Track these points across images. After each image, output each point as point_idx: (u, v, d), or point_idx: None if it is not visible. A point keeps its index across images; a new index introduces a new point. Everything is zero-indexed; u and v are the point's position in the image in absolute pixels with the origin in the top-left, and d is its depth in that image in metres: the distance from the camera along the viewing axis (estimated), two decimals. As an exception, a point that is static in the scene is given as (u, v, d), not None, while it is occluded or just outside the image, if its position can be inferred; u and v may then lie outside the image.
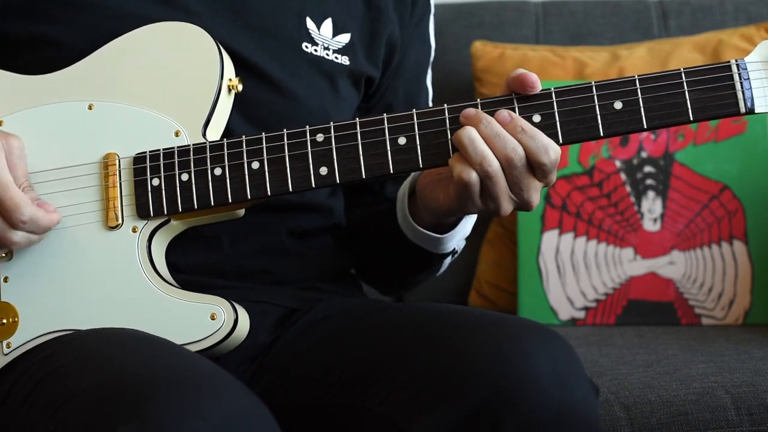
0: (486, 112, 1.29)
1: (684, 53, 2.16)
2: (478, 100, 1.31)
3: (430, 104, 1.66)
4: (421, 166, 1.31)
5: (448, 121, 1.31)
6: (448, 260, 1.54)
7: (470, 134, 1.28)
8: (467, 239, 1.53)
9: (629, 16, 2.31)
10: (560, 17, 2.31)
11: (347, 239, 1.60)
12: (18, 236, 1.28)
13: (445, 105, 1.31)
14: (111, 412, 1.09)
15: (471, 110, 1.30)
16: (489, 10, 2.32)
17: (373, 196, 1.60)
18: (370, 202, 1.60)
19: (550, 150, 1.27)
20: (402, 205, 1.47)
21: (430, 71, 1.66)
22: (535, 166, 1.28)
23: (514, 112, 1.29)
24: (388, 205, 1.54)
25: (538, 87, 1.30)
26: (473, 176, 1.28)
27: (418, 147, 1.31)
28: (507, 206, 1.30)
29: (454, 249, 1.51)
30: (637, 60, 2.16)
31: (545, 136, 1.28)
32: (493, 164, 1.27)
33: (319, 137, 1.32)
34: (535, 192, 1.30)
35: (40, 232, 1.30)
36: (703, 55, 2.16)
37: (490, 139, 1.27)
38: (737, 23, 2.27)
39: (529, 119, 1.29)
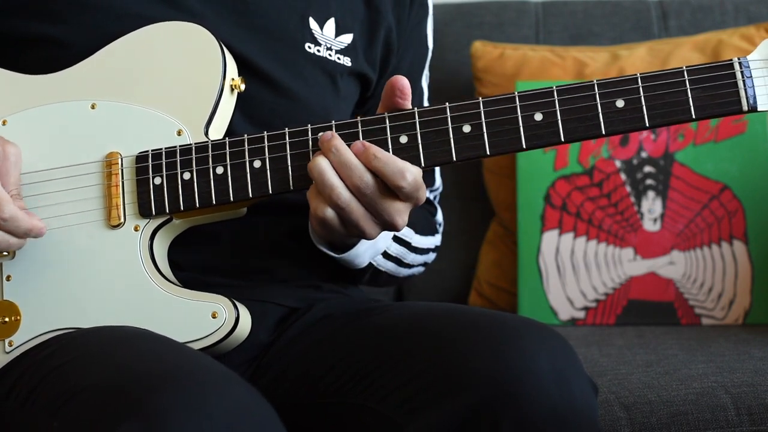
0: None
1: (684, 53, 2.16)
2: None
3: (426, 104, 1.66)
4: (423, 164, 1.31)
5: (310, 142, 1.31)
6: (391, 268, 1.51)
7: (320, 166, 1.27)
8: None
9: (629, 16, 2.31)
10: (560, 17, 2.31)
11: None
12: None
13: (447, 104, 1.31)
14: (114, 408, 1.09)
15: (327, 134, 1.30)
16: (489, 10, 2.32)
17: None
18: None
19: (406, 173, 1.27)
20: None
21: (426, 72, 1.65)
22: (394, 189, 1.28)
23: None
24: None
25: (408, 93, 1.29)
26: (328, 212, 1.29)
27: (420, 145, 1.31)
28: (371, 230, 1.30)
29: (374, 265, 1.49)
30: (637, 60, 2.16)
31: (400, 160, 1.28)
32: (343, 195, 1.27)
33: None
34: (398, 213, 1.30)
35: (19, 234, 1.29)
36: (703, 55, 2.16)
37: (339, 168, 1.28)
38: (737, 23, 2.27)
39: (530, 118, 1.29)
